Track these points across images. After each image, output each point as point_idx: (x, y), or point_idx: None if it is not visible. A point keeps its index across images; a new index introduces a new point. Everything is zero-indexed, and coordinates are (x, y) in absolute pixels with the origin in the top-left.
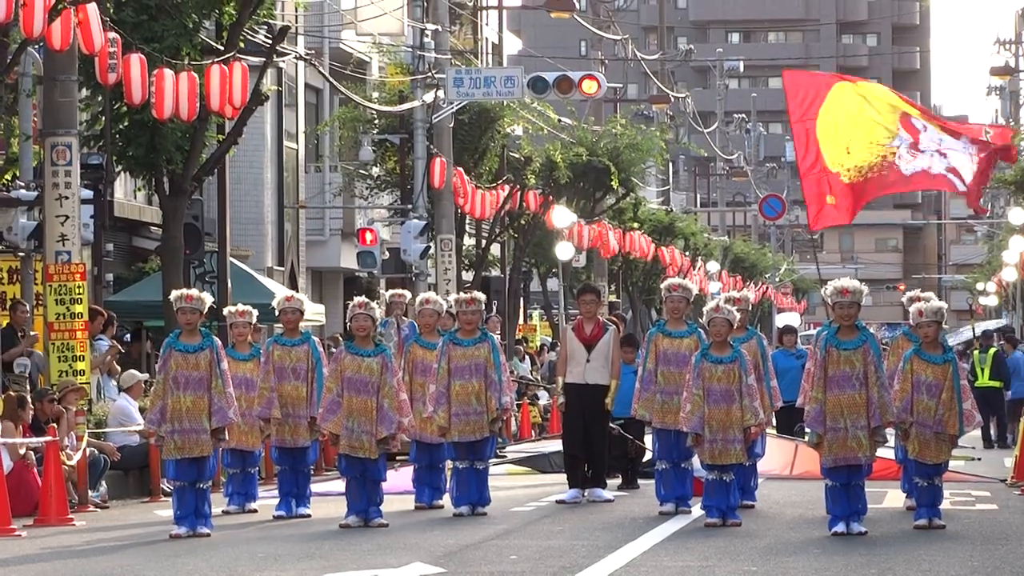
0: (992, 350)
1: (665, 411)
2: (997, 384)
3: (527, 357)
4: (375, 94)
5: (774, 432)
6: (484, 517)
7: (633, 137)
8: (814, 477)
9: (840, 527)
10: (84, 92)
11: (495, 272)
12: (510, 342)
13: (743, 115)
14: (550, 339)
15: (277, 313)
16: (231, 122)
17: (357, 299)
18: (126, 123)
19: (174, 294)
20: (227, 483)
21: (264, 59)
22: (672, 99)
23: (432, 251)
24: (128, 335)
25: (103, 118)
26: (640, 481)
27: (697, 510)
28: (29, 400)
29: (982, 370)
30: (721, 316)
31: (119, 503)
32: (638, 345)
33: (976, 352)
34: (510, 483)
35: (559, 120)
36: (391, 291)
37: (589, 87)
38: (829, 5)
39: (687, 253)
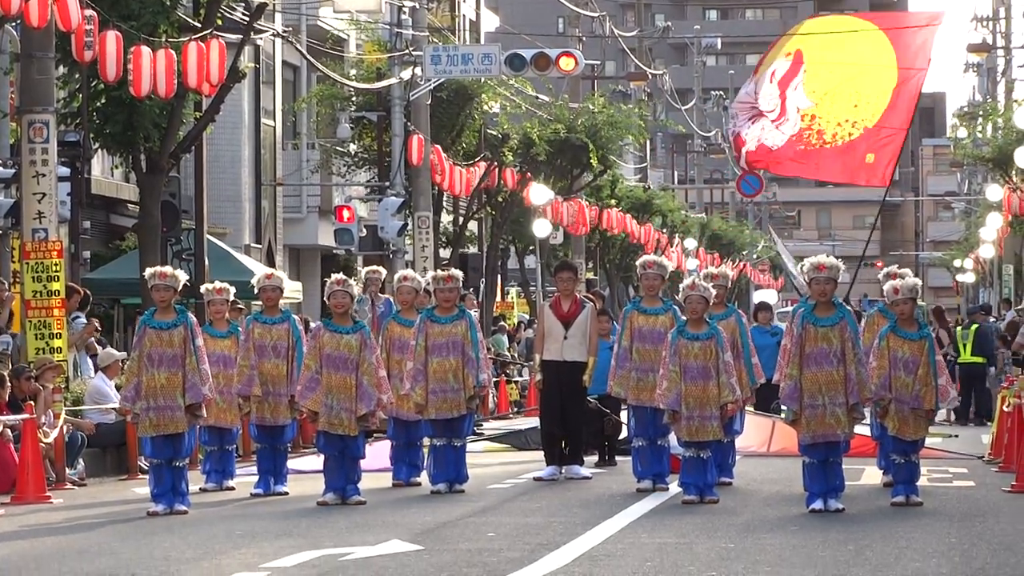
0: (975, 326)
1: (640, 388)
2: (980, 360)
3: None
4: (352, 71)
5: (752, 409)
6: (461, 494)
7: (611, 115)
8: (791, 454)
9: (818, 504)
10: (61, 69)
11: (472, 249)
12: (487, 320)
13: (721, 92)
14: (527, 316)
15: (256, 291)
16: (208, 99)
17: (335, 276)
18: (103, 101)
19: (148, 272)
20: (204, 460)
21: (241, 36)
22: (650, 76)
23: (409, 228)
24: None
25: (80, 95)
26: (617, 458)
27: (674, 487)
28: (7, 378)
29: (964, 346)
30: (697, 294)
31: (96, 481)
32: (609, 314)
33: (959, 328)
34: (487, 460)
35: (536, 97)
36: (367, 268)
37: (566, 64)
38: None
39: (664, 230)
